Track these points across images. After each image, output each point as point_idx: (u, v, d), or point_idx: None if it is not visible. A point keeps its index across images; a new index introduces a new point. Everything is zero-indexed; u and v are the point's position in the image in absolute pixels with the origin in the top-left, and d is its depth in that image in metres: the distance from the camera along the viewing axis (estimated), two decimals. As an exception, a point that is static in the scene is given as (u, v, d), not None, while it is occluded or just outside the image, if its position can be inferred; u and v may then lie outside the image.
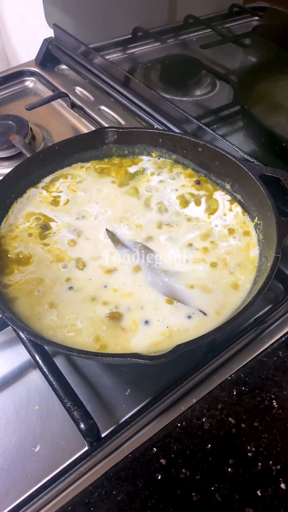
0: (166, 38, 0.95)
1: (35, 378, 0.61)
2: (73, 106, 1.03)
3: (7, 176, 0.68)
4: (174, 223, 0.69)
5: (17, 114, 0.96)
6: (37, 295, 0.60)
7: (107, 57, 1.03)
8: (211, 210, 0.70)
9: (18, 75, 1.15)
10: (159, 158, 0.78)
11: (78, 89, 1.08)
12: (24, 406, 0.59)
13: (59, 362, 0.60)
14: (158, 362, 0.47)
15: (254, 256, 0.64)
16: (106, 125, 0.95)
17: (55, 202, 0.72)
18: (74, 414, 0.52)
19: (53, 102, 1.03)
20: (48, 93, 1.09)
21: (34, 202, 0.72)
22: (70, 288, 0.61)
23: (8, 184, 0.69)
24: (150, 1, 0.94)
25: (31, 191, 0.73)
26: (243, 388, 0.56)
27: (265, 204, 0.63)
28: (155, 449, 0.52)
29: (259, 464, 0.50)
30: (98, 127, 0.97)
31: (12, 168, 0.69)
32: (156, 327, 0.57)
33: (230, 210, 0.70)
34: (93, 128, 0.96)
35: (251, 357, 0.60)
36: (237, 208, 0.70)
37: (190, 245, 0.66)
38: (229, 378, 0.57)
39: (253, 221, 0.68)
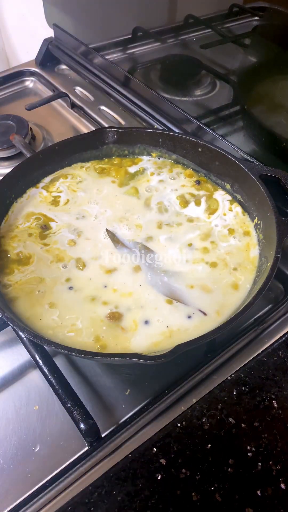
0: (166, 38, 0.95)
1: (35, 378, 0.61)
2: (73, 106, 1.03)
3: (7, 176, 0.68)
4: (174, 223, 0.69)
5: (17, 114, 0.96)
6: (37, 295, 0.60)
7: (107, 57, 1.03)
8: (211, 210, 0.70)
9: (18, 75, 1.15)
10: (159, 158, 0.78)
11: (78, 89, 1.08)
12: (24, 406, 0.59)
13: (59, 362, 0.60)
14: (158, 362, 0.47)
15: (254, 256, 0.64)
16: (106, 125, 0.95)
17: (55, 202, 0.72)
18: (74, 414, 0.52)
19: (53, 102, 1.03)
20: (48, 93, 1.09)
21: (34, 202, 0.72)
22: (70, 288, 0.61)
23: (8, 184, 0.69)
24: (150, 1, 0.94)
25: (31, 191, 0.73)
26: (243, 388, 0.56)
27: (265, 204, 0.63)
28: (155, 449, 0.52)
29: (259, 464, 0.50)
30: (98, 127, 0.97)
31: (12, 168, 0.69)
32: (156, 327, 0.57)
33: (230, 210, 0.70)
34: (93, 128, 0.96)
35: (251, 357, 0.60)
36: (237, 208, 0.70)
37: (190, 245, 0.66)
38: (229, 378, 0.57)
39: (253, 221, 0.68)
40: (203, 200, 0.72)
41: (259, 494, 0.48)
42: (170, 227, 0.69)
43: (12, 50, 1.78)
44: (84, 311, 0.58)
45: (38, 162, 0.73)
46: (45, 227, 0.68)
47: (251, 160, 0.75)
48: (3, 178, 0.68)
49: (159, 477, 0.49)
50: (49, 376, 0.55)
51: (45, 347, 0.58)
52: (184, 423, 0.54)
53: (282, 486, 0.49)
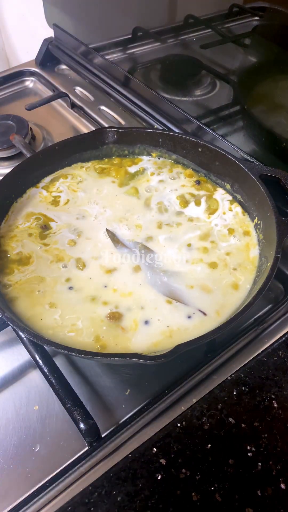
0: (166, 38, 0.95)
1: (35, 378, 0.61)
2: (73, 106, 1.03)
3: (7, 176, 0.68)
4: (174, 223, 0.69)
5: (17, 114, 0.96)
6: (37, 295, 0.60)
7: (107, 57, 1.03)
8: (211, 210, 0.70)
9: (18, 75, 1.15)
10: (159, 158, 0.78)
11: (78, 89, 1.08)
12: (24, 406, 0.59)
13: (59, 362, 0.60)
14: (158, 362, 0.47)
15: (254, 256, 0.64)
16: (106, 125, 0.95)
17: (55, 202, 0.72)
18: (74, 414, 0.52)
19: (53, 102, 1.03)
20: (48, 93, 1.09)
21: (34, 202, 0.72)
22: (70, 288, 0.61)
23: (8, 184, 0.69)
24: (150, 1, 0.94)
25: (31, 191, 0.73)
26: (243, 388, 0.56)
27: (265, 204, 0.63)
28: (155, 449, 0.52)
29: (259, 464, 0.50)
30: (98, 127, 0.97)
31: (12, 168, 0.69)
32: (156, 327, 0.57)
33: (230, 210, 0.70)
34: (93, 128, 0.96)
35: (251, 357, 0.60)
36: (237, 208, 0.70)
37: (190, 245, 0.66)
38: (229, 378, 0.57)
39: (253, 221, 0.68)
40: (203, 200, 0.72)
41: (259, 494, 0.48)
42: (170, 227, 0.69)
43: (12, 50, 1.78)
44: (84, 311, 0.58)
45: (38, 162, 0.73)
46: (45, 227, 0.68)
47: (251, 160, 0.75)
48: (3, 178, 0.68)
49: (159, 477, 0.49)
50: (49, 376, 0.55)
51: (45, 347, 0.58)
52: (184, 423, 0.54)
53: (282, 486, 0.49)
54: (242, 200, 0.70)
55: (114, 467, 0.51)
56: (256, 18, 0.74)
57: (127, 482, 0.49)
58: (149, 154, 0.79)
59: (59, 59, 1.12)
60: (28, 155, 0.79)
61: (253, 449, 0.51)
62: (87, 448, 0.54)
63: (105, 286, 0.61)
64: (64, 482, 0.51)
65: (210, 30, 0.82)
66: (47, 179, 0.75)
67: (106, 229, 0.68)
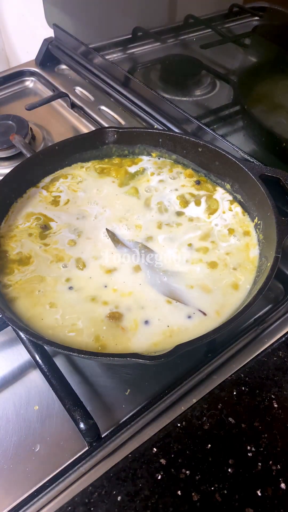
0: (166, 38, 0.95)
1: (35, 378, 0.61)
2: (73, 106, 1.03)
3: (7, 176, 0.68)
4: (174, 223, 0.69)
5: (17, 114, 0.96)
6: (37, 295, 0.60)
7: (107, 57, 1.03)
8: (211, 210, 0.70)
9: (18, 75, 1.15)
10: (159, 158, 0.78)
11: (78, 89, 1.08)
12: (24, 406, 0.59)
13: (59, 362, 0.60)
14: (158, 362, 0.47)
15: (254, 256, 0.64)
16: (106, 125, 0.95)
17: (55, 202, 0.72)
18: (74, 414, 0.52)
19: (53, 102, 1.03)
20: (48, 93, 1.09)
21: (34, 202, 0.72)
22: (70, 288, 0.61)
23: (8, 184, 0.69)
24: (150, 1, 0.94)
25: (31, 191, 0.73)
26: (243, 388, 0.56)
27: (265, 204, 0.63)
28: (155, 449, 0.52)
29: (259, 464, 0.50)
30: (98, 127, 0.97)
31: (12, 168, 0.69)
32: (156, 327, 0.57)
33: (230, 210, 0.70)
34: (93, 128, 0.96)
35: (251, 357, 0.60)
36: (237, 208, 0.70)
37: (190, 245, 0.66)
38: (229, 378, 0.57)
39: (253, 221, 0.68)
40: (203, 200, 0.72)
41: (259, 494, 0.48)
42: (170, 227, 0.69)
43: (12, 50, 1.78)
44: (85, 311, 0.58)
45: (38, 162, 0.73)
46: (45, 227, 0.68)
47: (251, 160, 0.75)
48: (3, 178, 0.68)
49: (159, 477, 0.49)
50: (49, 376, 0.55)
51: (45, 347, 0.58)
52: (184, 423, 0.54)
53: (282, 486, 0.49)
54: (242, 200, 0.70)
55: (114, 467, 0.51)
56: (256, 18, 0.74)
57: (127, 482, 0.49)
58: (149, 154, 0.79)
59: (59, 59, 1.12)
60: (28, 155, 0.79)
61: (253, 449, 0.51)
62: (87, 448, 0.54)
63: (105, 286, 0.61)
64: (64, 482, 0.51)
65: (210, 30, 0.82)
66: (47, 179, 0.75)
67: (106, 229, 0.68)
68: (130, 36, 1.00)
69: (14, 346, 0.64)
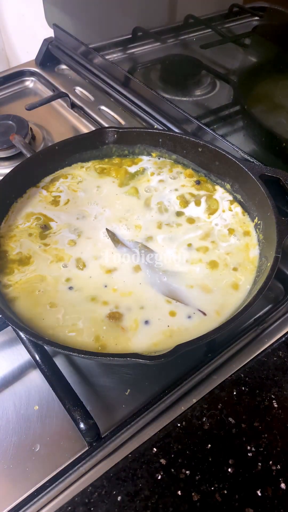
0: (166, 38, 0.95)
1: (35, 378, 0.61)
2: (73, 106, 1.03)
3: (7, 176, 0.68)
4: (174, 223, 0.69)
5: (17, 114, 0.96)
6: (37, 295, 0.60)
7: (107, 57, 1.03)
8: (211, 210, 0.70)
9: (18, 75, 1.15)
10: (159, 158, 0.78)
11: (78, 89, 1.08)
12: (24, 406, 0.59)
13: (59, 362, 0.60)
14: (158, 362, 0.47)
15: (254, 256, 0.64)
16: (106, 125, 0.95)
17: (55, 202, 0.72)
18: (74, 414, 0.52)
19: (53, 102, 1.03)
20: (48, 93, 1.09)
21: (34, 202, 0.72)
22: (70, 288, 0.61)
23: (8, 184, 0.69)
24: (150, 1, 0.94)
25: (31, 191, 0.73)
26: (243, 388, 0.56)
27: (265, 204, 0.63)
28: (155, 449, 0.52)
29: (259, 464, 0.50)
30: (98, 127, 0.97)
31: (12, 168, 0.69)
32: (156, 327, 0.57)
33: (230, 210, 0.70)
34: (93, 128, 0.96)
35: (251, 357, 0.60)
36: (237, 208, 0.70)
37: (190, 245, 0.66)
38: (229, 378, 0.57)
39: (253, 221, 0.68)
40: (203, 200, 0.72)
41: (259, 494, 0.48)
42: (170, 227, 0.69)
43: (12, 50, 1.78)
44: (85, 311, 0.58)
45: (38, 162, 0.73)
46: (45, 227, 0.68)
47: (251, 160, 0.75)
48: (3, 178, 0.68)
49: (159, 477, 0.49)
50: (49, 376, 0.55)
51: (45, 347, 0.58)
52: (184, 423, 0.54)
53: (282, 486, 0.49)
54: (242, 200, 0.70)
55: (114, 467, 0.51)
56: (256, 18, 0.74)
57: (127, 482, 0.49)
58: (149, 154, 0.79)
59: (59, 59, 1.12)
60: (28, 155, 0.79)
61: (253, 449, 0.51)
62: (87, 448, 0.54)
63: (105, 286, 0.61)
64: (64, 482, 0.51)
65: (210, 30, 0.82)
66: (47, 179, 0.75)
67: (106, 229, 0.68)
68: (130, 36, 1.00)
69: (14, 346, 0.64)
